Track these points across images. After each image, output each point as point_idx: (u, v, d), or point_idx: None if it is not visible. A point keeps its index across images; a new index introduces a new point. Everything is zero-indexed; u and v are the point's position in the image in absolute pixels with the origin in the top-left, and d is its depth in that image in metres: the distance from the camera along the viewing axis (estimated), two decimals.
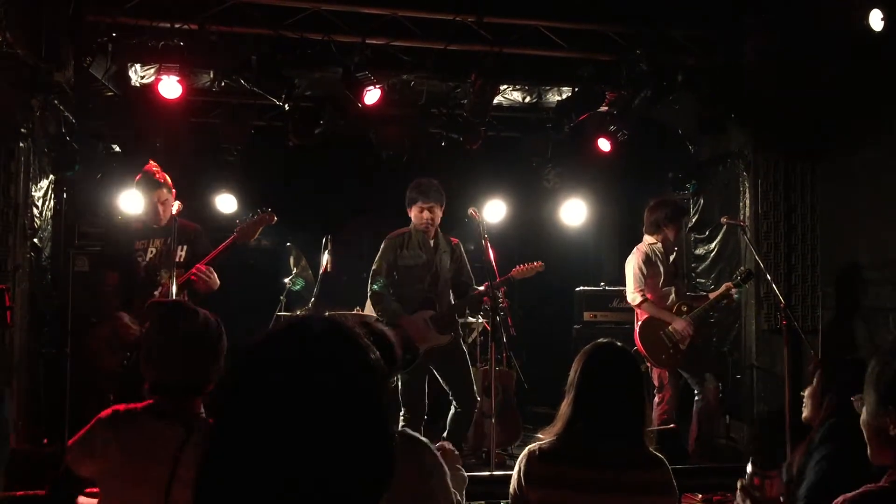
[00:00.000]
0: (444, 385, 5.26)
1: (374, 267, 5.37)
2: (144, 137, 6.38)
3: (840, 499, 1.72)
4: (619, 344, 2.52)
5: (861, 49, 5.49)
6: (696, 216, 7.54)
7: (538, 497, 2.31)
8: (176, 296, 4.65)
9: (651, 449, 2.38)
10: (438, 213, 5.30)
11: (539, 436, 2.45)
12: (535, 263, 5.41)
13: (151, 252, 4.84)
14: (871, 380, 1.82)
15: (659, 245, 5.73)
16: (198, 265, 4.69)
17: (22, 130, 5.49)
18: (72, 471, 2.21)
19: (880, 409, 1.77)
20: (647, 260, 5.67)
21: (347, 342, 1.07)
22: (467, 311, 5.80)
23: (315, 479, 0.98)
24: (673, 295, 5.71)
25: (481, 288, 5.31)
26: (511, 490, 2.40)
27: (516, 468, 2.40)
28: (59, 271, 6.16)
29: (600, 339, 2.53)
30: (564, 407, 2.40)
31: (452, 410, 5.26)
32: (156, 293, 4.69)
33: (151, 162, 4.93)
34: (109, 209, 6.50)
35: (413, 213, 5.30)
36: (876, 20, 5.00)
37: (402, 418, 5.17)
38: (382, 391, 1.08)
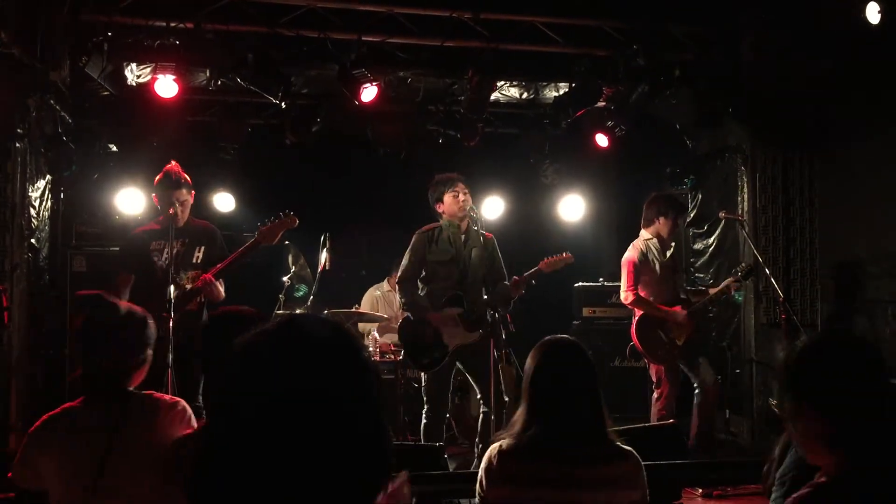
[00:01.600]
0: (472, 383, 5.21)
1: (400, 274, 5.31)
2: (141, 137, 6.37)
3: (790, 500, 1.69)
4: (572, 339, 2.52)
5: (859, 43, 5.49)
6: (695, 211, 7.54)
7: (500, 495, 2.30)
8: (190, 300, 4.67)
9: (617, 442, 2.35)
10: (469, 197, 5.20)
11: (496, 437, 2.44)
12: (564, 255, 5.27)
13: (168, 253, 4.75)
14: (783, 379, 1.77)
15: (654, 240, 5.72)
16: (203, 276, 4.65)
17: (18, 130, 5.49)
18: (27, 491, 2.36)
19: (795, 405, 1.74)
20: (643, 256, 5.67)
21: (340, 340, 1.07)
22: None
23: (311, 479, 0.98)
24: (671, 290, 5.72)
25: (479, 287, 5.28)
26: (477, 489, 2.38)
27: (481, 467, 2.38)
28: (57, 271, 6.15)
29: (553, 336, 2.52)
30: (522, 405, 2.39)
31: (481, 415, 5.18)
32: (172, 296, 4.61)
33: (173, 162, 4.87)
34: (107, 209, 6.50)
35: (447, 203, 5.18)
36: (873, 13, 5.00)
37: (425, 414, 5.18)
38: (376, 389, 1.07)
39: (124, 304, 2.52)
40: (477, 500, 2.40)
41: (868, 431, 1.66)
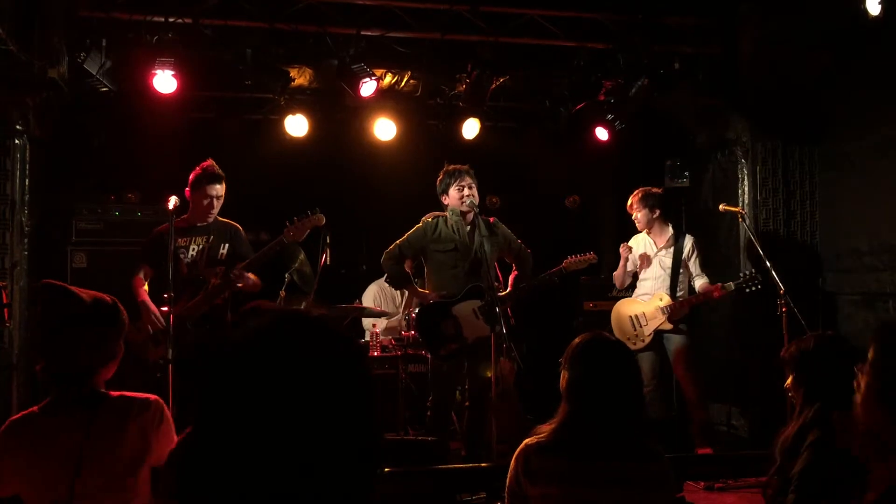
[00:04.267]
0: (467, 374, 5.21)
1: (389, 248, 5.28)
2: (140, 133, 6.36)
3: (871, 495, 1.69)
4: (611, 336, 2.47)
5: (859, 34, 5.48)
6: (694, 204, 7.52)
7: (539, 492, 2.27)
8: (216, 295, 4.75)
9: (649, 443, 2.35)
10: (476, 192, 5.18)
11: (537, 430, 2.41)
12: (588, 254, 5.36)
13: (194, 249, 4.88)
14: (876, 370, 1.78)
15: (644, 233, 6.03)
16: (237, 267, 4.75)
17: (17, 127, 5.48)
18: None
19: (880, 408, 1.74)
20: (636, 243, 6.06)
21: (332, 336, 1.07)
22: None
23: (302, 473, 0.98)
24: (663, 284, 5.85)
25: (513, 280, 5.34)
26: (508, 485, 2.36)
27: (513, 463, 2.35)
28: (58, 268, 6.15)
29: (591, 333, 2.47)
30: (562, 402, 2.37)
31: (467, 412, 5.21)
32: (201, 292, 4.76)
33: (210, 160, 4.99)
34: (107, 205, 6.49)
35: (452, 196, 5.17)
36: (873, 4, 4.98)
37: (429, 404, 5.21)
38: (367, 383, 1.07)
39: (88, 294, 2.30)
40: (507, 495, 2.37)
41: None
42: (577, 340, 2.43)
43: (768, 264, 5.46)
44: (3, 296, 4.87)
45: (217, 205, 4.92)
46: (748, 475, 4.75)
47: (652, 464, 2.32)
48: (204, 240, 4.90)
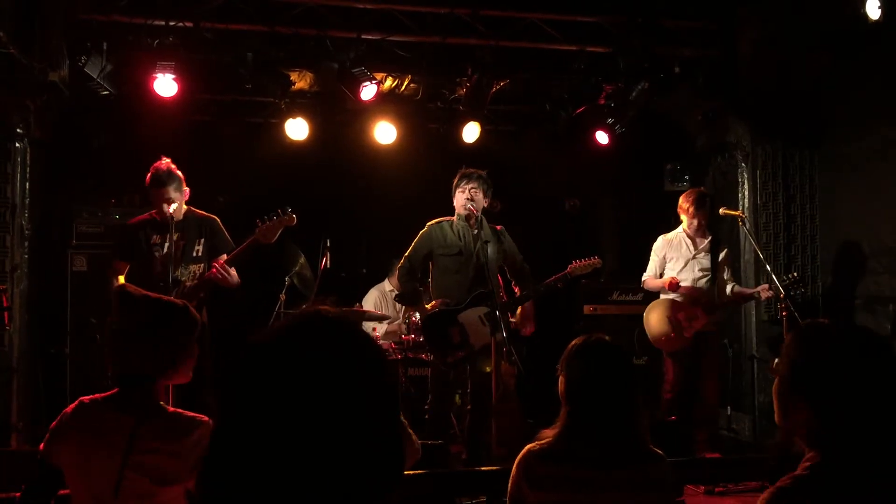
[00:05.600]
0: (468, 378, 5.19)
1: (401, 263, 5.28)
2: (140, 135, 6.36)
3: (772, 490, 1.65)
4: (608, 339, 2.45)
5: (858, 37, 5.48)
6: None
7: (540, 498, 2.27)
8: (194, 293, 4.61)
9: (650, 444, 2.34)
10: (481, 198, 5.15)
11: (539, 436, 2.41)
12: (593, 259, 5.29)
13: (167, 246, 4.69)
14: (793, 354, 1.74)
15: (680, 232, 5.79)
16: (215, 262, 4.61)
17: (18, 130, 5.49)
18: (48, 465, 2.24)
19: (792, 392, 1.73)
20: (667, 243, 5.81)
21: (356, 337, 1.07)
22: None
23: (323, 477, 0.98)
24: (688, 283, 5.69)
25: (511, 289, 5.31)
26: (509, 491, 2.35)
27: (514, 470, 2.35)
28: (58, 271, 6.16)
29: (588, 337, 2.44)
30: (562, 408, 2.36)
31: (469, 416, 5.20)
32: (174, 292, 4.58)
33: (164, 159, 4.74)
34: (107, 208, 6.50)
35: (456, 198, 5.19)
36: (873, 8, 4.98)
37: (427, 407, 5.21)
38: (389, 385, 1.07)
39: (156, 301, 2.32)
40: (508, 502, 2.36)
41: (852, 431, 1.64)
42: (572, 343, 2.43)
43: (768, 268, 5.47)
44: (4, 299, 4.87)
45: (169, 207, 4.58)
46: (749, 479, 4.75)
47: (652, 466, 2.31)
48: (179, 235, 4.70)
